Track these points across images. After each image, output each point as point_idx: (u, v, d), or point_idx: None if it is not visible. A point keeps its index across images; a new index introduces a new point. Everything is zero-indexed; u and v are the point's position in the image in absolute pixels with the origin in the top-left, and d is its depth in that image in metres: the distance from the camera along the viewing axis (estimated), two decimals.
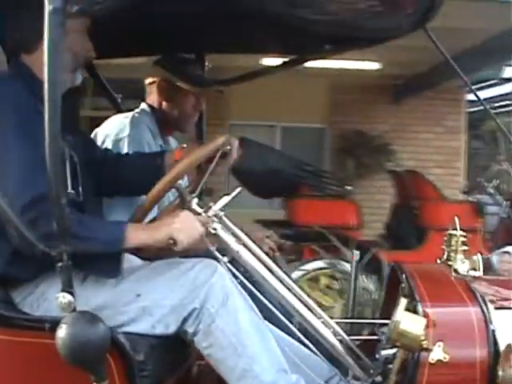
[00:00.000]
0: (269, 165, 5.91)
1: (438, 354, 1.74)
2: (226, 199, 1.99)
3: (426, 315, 1.79)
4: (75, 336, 1.73)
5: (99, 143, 2.67)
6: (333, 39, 2.79)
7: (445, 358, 1.72)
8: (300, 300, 2.02)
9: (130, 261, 2.08)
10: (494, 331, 1.73)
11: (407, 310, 1.80)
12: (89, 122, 11.11)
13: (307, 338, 2.04)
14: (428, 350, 1.74)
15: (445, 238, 2.36)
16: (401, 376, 1.80)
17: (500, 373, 1.66)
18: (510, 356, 1.66)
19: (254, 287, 2.01)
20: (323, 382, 2.03)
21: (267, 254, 2.52)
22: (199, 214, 1.94)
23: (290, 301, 1.98)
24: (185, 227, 1.91)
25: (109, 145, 2.66)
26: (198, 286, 1.96)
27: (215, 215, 1.95)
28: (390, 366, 1.85)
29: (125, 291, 1.99)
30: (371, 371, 1.96)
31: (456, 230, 2.29)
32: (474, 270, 2.28)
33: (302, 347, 2.10)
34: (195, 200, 1.98)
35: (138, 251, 2.01)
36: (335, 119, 10.14)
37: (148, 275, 2.04)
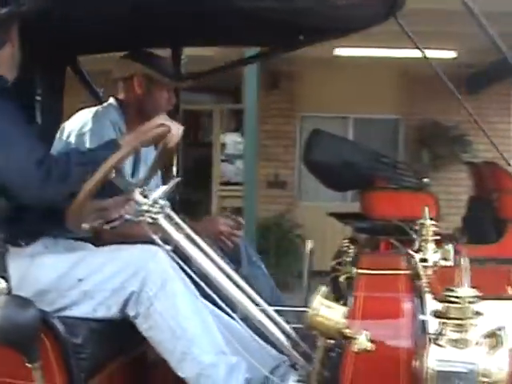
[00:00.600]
0: (343, 157, 5.85)
1: (362, 343, 1.73)
2: (163, 189, 2.05)
3: (354, 304, 1.81)
4: (5, 318, 1.86)
5: (64, 137, 2.73)
6: (307, 30, 2.76)
7: (370, 348, 1.72)
8: (240, 289, 2.04)
9: (74, 247, 2.23)
10: (423, 322, 1.71)
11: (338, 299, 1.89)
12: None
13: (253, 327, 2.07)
14: (350, 338, 1.74)
15: (416, 228, 2.39)
16: (327, 364, 1.84)
17: (415, 362, 1.64)
18: (425, 346, 1.61)
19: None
20: (267, 371, 2.07)
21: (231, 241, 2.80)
22: (142, 203, 1.99)
23: (229, 289, 2.00)
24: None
25: (72, 139, 2.72)
26: (137, 270, 2.06)
27: (156, 203, 2.00)
28: (333, 354, 1.86)
29: (67, 276, 2.10)
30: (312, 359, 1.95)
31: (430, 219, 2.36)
32: (445, 259, 2.32)
33: (249, 335, 2.10)
34: (137, 190, 2.03)
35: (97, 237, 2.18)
36: (409, 110, 9.93)
37: (90, 260, 2.15)
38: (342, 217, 6.42)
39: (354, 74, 8.80)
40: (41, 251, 2.18)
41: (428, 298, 1.82)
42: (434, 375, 1.60)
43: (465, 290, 1.65)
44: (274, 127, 9.34)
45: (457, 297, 1.63)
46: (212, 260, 2.07)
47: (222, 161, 10.77)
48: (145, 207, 1.98)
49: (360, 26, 2.75)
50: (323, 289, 1.85)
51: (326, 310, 1.80)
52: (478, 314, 1.66)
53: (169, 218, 2.03)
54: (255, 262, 2.90)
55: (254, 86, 5.95)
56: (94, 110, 2.87)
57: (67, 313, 2.09)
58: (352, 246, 3.22)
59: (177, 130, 2.12)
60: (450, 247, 2.37)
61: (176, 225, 2.06)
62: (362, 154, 5.60)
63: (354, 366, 1.74)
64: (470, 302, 1.64)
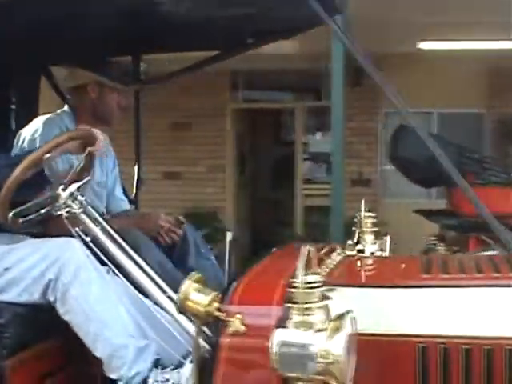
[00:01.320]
0: (429, 152, 5.74)
1: (235, 325, 1.85)
2: (77, 184, 2.29)
3: (234, 290, 1.92)
4: None
5: (19, 143, 2.94)
6: (253, 33, 2.98)
7: (242, 330, 1.83)
8: (152, 280, 2.19)
9: (6, 240, 2.47)
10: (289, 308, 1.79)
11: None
12: (241, 113, 11.36)
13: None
14: (223, 321, 1.86)
15: (355, 220, 2.60)
16: (205, 345, 1.97)
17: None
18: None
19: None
20: (181, 355, 2.18)
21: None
22: (61, 199, 2.26)
23: (138, 278, 2.19)
24: None
25: (26, 144, 2.90)
26: (54, 260, 2.33)
27: (76, 200, 2.26)
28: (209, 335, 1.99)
29: None
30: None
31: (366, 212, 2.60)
32: (382, 250, 2.54)
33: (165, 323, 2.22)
34: (60, 187, 2.26)
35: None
36: (494, 103, 9.71)
37: (16, 252, 2.42)
38: (428, 214, 6.30)
39: (437, 68, 8.65)
40: None
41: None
42: (277, 356, 1.70)
43: (310, 277, 1.74)
44: (358, 124, 9.26)
45: (301, 282, 1.73)
46: (125, 251, 2.26)
47: (305, 159, 10.74)
48: (62, 201, 2.24)
49: (301, 27, 2.99)
50: (195, 274, 1.96)
51: (196, 295, 1.91)
52: (324, 298, 1.76)
53: (87, 213, 2.27)
54: (203, 254, 3.05)
55: (339, 83, 5.90)
56: (46, 116, 3.08)
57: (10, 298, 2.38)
58: (441, 244, 3.24)
59: (99, 138, 2.43)
60: (387, 239, 2.62)
61: (95, 219, 2.27)
62: (448, 149, 5.49)
63: (228, 347, 1.85)
64: (313, 287, 1.74)
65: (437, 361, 1.90)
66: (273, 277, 2.02)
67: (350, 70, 6.44)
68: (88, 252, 2.32)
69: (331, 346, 1.70)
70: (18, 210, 2.27)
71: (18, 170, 2.23)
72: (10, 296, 2.38)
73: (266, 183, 11.79)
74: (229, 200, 10.35)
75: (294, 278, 1.74)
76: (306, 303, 1.74)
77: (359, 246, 2.52)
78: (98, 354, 2.31)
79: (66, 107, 3.18)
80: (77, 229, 2.25)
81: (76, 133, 2.50)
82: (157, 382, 2.25)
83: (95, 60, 3.15)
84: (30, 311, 2.38)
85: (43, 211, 2.27)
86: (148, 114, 10.20)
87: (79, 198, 2.27)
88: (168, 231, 3.03)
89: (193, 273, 1.96)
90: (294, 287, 1.75)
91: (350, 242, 2.56)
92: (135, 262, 2.23)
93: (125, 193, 3.48)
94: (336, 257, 2.37)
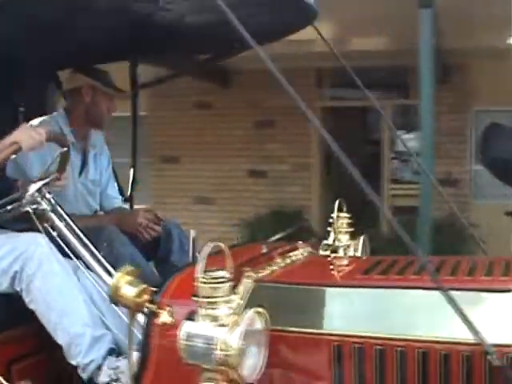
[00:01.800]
0: None
1: (164, 317, 2.04)
2: (39, 183, 2.48)
3: (169, 285, 2.10)
4: None
5: None
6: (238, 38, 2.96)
7: (170, 321, 2.01)
8: (105, 269, 2.42)
9: None
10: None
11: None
12: (330, 112, 11.21)
13: None
14: (154, 312, 2.07)
15: (330, 221, 2.75)
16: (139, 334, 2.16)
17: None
18: None
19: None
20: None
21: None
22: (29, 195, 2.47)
23: (95, 268, 2.43)
24: (25, 132, 2.52)
25: None
26: (20, 253, 2.52)
27: (45, 197, 2.47)
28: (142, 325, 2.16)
29: None
30: None
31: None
32: (355, 250, 2.76)
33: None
34: (32, 184, 2.50)
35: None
36: None
37: None
38: None
39: None
40: None
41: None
42: (183, 346, 1.85)
43: (216, 273, 1.88)
44: (446, 123, 8.99)
45: (207, 277, 1.86)
46: (86, 245, 2.47)
47: (393, 158, 10.54)
48: (30, 199, 2.46)
49: (279, 33, 3.35)
50: (128, 267, 2.13)
51: (126, 287, 2.07)
52: (232, 293, 1.90)
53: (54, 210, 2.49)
54: (187, 251, 3.11)
55: (428, 80, 5.72)
56: (41, 118, 3.30)
57: None
58: None
59: (27, 139, 2.52)
60: (360, 240, 2.79)
61: (61, 216, 2.49)
62: None
63: (158, 336, 2.04)
64: (220, 283, 1.87)
65: (351, 360, 1.98)
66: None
67: (438, 66, 6.27)
68: (53, 246, 2.53)
69: (230, 339, 1.82)
70: None
71: None
72: None
73: (351, 182, 11.62)
74: (314, 199, 10.26)
75: (202, 273, 1.86)
76: (211, 297, 1.87)
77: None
78: (59, 341, 2.51)
79: (60, 110, 3.41)
80: (45, 224, 2.49)
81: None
82: (110, 369, 2.41)
83: (91, 65, 3.43)
84: (0, 299, 2.58)
85: (10, 207, 2.47)
86: (233, 112, 10.34)
87: (47, 195, 2.48)
88: (146, 227, 3.20)
89: (126, 266, 2.13)
90: (201, 282, 1.87)
91: (325, 241, 2.73)
92: (94, 256, 2.44)
93: (120, 191, 3.69)
94: (296, 256, 2.60)
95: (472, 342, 1.84)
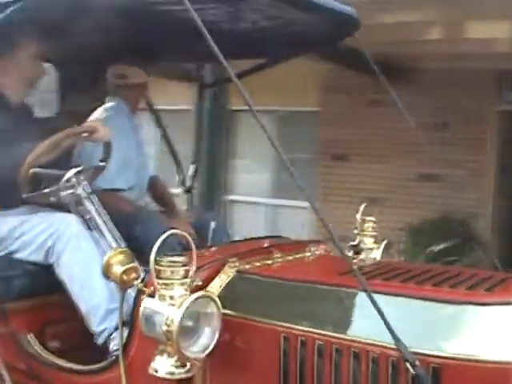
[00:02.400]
0: None
1: (148, 293, 2.30)
2: (74, 171, 2.80)
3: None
4: None
5: None
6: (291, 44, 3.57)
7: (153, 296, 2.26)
8: None
9: (28, 211, 3.08)
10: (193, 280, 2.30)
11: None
12: (506, 116, 10.61)
13: None
14: (140, 290, 2.37)
15: (357, 224, 3.07)
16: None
17: None
18: None
19: None
20: None
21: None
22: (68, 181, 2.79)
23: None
24: (99, 124, 3.08)
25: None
26: (53, 230, 2.94)
27: (79, 185, 2.79)
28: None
29: (16, 230, 3.03)
30: None
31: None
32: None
33: None
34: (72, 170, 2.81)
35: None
36: None
37: (31, 221, 3.03)
38: None
39: None
40: (6, 214, 3.08)
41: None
42: (141, 320, 2.24)
43: (174, 258, 2.21)
44: None
45: (165, 261, 2.20)
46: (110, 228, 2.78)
47: None
48: (69, 184, 2.78)
49: (319, 43, 3.70)
50: (122, 246, 2.57)
51: (116, 265, 2.43)
52: (185, 277, 2.22)
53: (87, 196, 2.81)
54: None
55: None
56: (109, 104, 3.84)
57: (16, 255, 3.05)
58: None
59: (103, 131, 3.03)
60: (382, 244, 3.09)
61: (91, 202, 2.81)
62: None
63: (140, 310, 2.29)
64: (176, 267, 2.20)
65: (296, 350, 2.27)
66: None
67: None
68: (82, 226, 2.92)
69: (174, 317, 2.14)
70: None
71: (37, 150, 2.84)
72: (22, 255, 3.03)
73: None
74: (487, 207, 9.82)
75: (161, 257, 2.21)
76: (168, 279, 2.20)
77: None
78: (81, 310, 2.89)
79: (117, 99, 3.84)
80: (79, 207, 2.84)
81: (83, 128, 3.09)
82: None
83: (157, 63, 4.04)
84: (37, 269, 3.01)
85: (47, 190, 2.81)
86: (408, 112, 10.09)
87: (83, 183, 2.81)
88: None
89: (122, 247, 2.58)
90: (159, 265, 2.20)
91: (351, 243, 3.05)
92: (114, 238, 2.76)
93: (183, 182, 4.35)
94: (302, 254, 2.94)
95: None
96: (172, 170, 4.44)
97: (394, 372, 2.10)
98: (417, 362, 1.99)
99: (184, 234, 2.36)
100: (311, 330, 2.27)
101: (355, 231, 3.09)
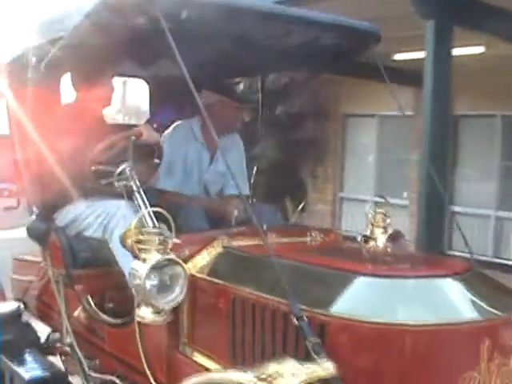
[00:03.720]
0: None
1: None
2: (124, 165, 3.27)
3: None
4: (34, 227, 3.85)
5: None
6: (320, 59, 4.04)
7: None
8: None
9: (85, 200, 3.74)
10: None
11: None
12: None
13: None
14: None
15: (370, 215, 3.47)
16: None
17: None
18: None
19: None
20: None
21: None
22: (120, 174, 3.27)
23: None
24: (150, 129, 3.70)
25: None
26: (109, 212, 3.58)
27: (130, 177, 3.24)
28: None
29: (81, 214, 3.74)
30: None
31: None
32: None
33: None
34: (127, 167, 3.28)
35: None
36: None
37: (93, 207, 3.69)
38: None
39: None
40: (74, 202, 3.78)
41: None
42: (128, 277, 2.84)
43: (152, 229, 2.85)
44: None
45: (145, 232, 2.81)
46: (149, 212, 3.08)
47: None
48: (123, 177, 3.25)
49: (342, 57, 4.01)
50: (137, 219, 2.88)
51: (130, 238, 2.83)
52: (161, 244, 2.79)
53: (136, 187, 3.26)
54: None
55: None
56: (180, 122, 4.37)
57: (83, 233, 3.73)
58: None
59: (146, 135, 3.55)
60: (387, 233, 3.44)
61: (139, 192, 3.22)
62: None
63: None
64: (152, 235, 2.79)
65: (243, 308, 2.76)
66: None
67: None
68: (131, 211, 3.36)
69: (142, 272, 2.70)
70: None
71: (97, 149, 3.49)
72: (87, 233, 3.72)
73: None
74: None
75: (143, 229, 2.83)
76: (145, 245, 2.78)
77: None
78: (126, 277, 3.18)
79: (196, 117, 4.31)
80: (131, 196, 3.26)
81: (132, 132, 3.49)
82: None
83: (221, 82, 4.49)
84: (100, 244, 3.58)
85: (105, 182, 3.35)
86: None
87: (134, 176, 3.27)
88: (231, 214, 3.92)
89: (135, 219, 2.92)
90: (142, 234, 2.80)
91: (364, 233, 3.49)
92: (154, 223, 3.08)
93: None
94: (300, 238, 3.36)
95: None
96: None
97: (285, 323, 2.53)
98: (304, 317, 2.39)
99: (163, 212, 2.95)
100: (243, 289, 2.78)
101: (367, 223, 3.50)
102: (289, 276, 2.55)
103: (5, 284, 4.65)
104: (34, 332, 3.96)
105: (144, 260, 2.76)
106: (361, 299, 2.46)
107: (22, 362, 3.72)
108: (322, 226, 12.09)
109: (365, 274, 2.53)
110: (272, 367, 2.22)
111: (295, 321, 2.38)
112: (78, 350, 3.66)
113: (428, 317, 2.35)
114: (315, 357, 2.27)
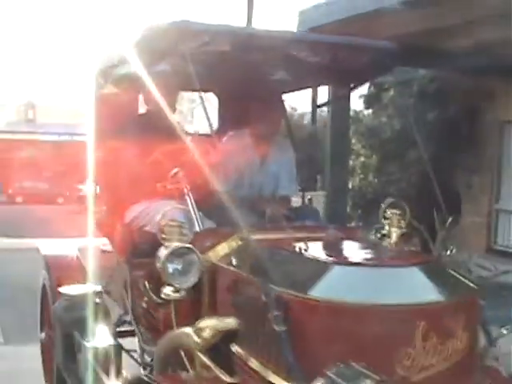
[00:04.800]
0: None
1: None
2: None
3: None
4: None
5: None
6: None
7: None
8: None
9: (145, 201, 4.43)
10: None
11: None
12: None
13: None
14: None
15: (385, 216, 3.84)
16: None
17: None
18: None
19: None
20: None
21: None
22: None
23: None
24: None
25: None
26: (162, 210, 3.73)
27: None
28: None
29: (142, 212, 4.44)
30: None
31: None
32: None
33: None
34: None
35: None
36: None
37: (150, 206, 4.36)
38: None
39: None
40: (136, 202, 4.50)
41: None
42: (158, 261, 3.44)
43: (172, 221, 3.51)
44: None
45: (167, 224, 3.48)
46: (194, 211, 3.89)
47: None
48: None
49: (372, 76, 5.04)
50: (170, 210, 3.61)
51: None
52: (181, 235, 3.46)
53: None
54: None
55: None
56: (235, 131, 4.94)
57: (144, 228, 4.35)
58: None
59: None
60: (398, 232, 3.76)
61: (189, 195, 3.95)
62: None
63: None
64: (173, 227, 3.47)
65: (243, 289, 3.34)
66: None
67: None
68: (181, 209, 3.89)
69: (162, 257, 3.40)
70: None
71: None
72: (147, 228, 4.29)
73: None
74: None
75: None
76: (169, 235, 3.43)
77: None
78: None
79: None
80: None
81: None
82: None
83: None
84: (155, 237, 3.79)
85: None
86: None
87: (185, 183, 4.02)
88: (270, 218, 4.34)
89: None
90: (163, 226, 3.46)
91: (381, 231, 3.84)
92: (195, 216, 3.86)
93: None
94: (310, 234, 3.69)
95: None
96: None
97: (255, 297, 3.06)
98: (271, 294, 2.91)
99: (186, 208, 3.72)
100: (245, 274, 3.33)
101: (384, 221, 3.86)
102: (274, 262, 3.11)
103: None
104: (107, 312, 4.62)
105: (166, 247, 3.40)
106: (324, 284, 2.92)
107: (90, 337, 4.37)
108: (476, 239, 12.21)
109: (334, 263, 3.04)
110: (203, 322, 3.03)
111: (263, 297, 2.92)
112: (135, 325, 4.35)
113: (374, 299, 2.79)
114: (275, 327, 2.82)
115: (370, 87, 13.88)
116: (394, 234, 3.77)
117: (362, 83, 4.91)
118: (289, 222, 4.25)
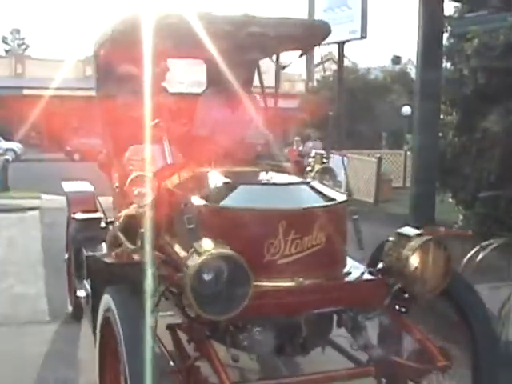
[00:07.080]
0: None
1: None
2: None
3: None
4: None
5: None
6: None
7: None
8: None
9: None
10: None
11: None
12: None
13: None
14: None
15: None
16: None
17: None
18: None
19: None
20: None
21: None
22: None
23: None
24: None
25: None
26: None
27: None
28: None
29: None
30: None
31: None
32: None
33: None
34: None
35: None
36: None
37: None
38: None
39: None
40: None
41: None
42: None
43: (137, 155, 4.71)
44: None
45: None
46: None
47: None
48: None
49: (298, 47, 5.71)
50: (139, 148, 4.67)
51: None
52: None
53: None
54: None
55: None
56: None
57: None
58: None
59: None
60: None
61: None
62: None
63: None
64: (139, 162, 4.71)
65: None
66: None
67: None
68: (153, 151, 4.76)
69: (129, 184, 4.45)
70: None
71: None
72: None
73: None
74: None
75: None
76: (133, 167, 4.70)
77: None
78: None
79: None
80: None
81: None
82: None
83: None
84: None
85: None
86: None
87: None
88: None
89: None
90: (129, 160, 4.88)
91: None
92: None
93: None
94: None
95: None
96: None
97: (180, 207, 4.14)
98: (188, 205, 4.07)
99: None
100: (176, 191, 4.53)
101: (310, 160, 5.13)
102: (200, 184, 4.37)
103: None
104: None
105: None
106: (225, 197, 4.07)
107: (95, 251, 5.57)
108: None
109: (240, 183, 4.17)
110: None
111: (182, 205, 4.06)
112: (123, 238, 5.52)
113: (252, 205, 3.95)
114: (187, 225, 3.89)
115: (449, 38, 13.09)
116: (315, 168, 4.96)
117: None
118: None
